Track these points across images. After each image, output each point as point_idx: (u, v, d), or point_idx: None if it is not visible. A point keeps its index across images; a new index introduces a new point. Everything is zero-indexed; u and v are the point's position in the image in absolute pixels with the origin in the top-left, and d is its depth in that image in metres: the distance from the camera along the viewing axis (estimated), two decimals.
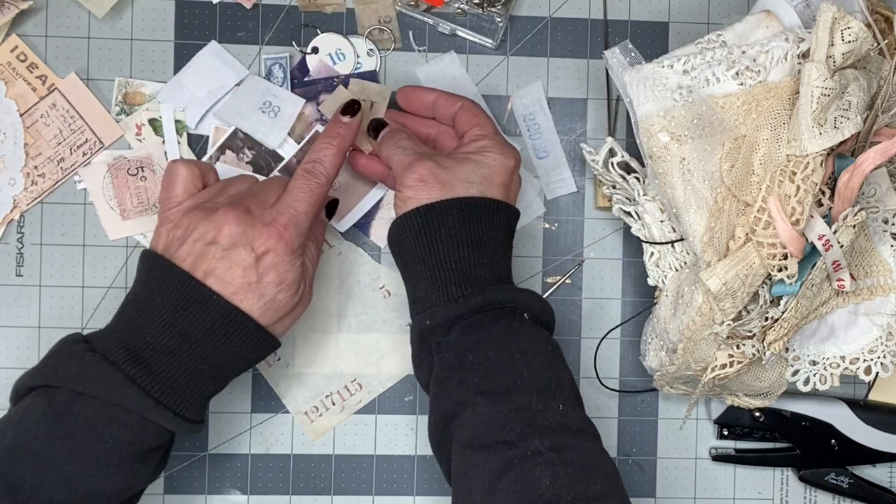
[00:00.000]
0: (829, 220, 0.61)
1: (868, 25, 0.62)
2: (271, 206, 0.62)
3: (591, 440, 0.58)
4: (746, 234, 0.61)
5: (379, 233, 0.74)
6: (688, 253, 0.68)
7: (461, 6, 0.74)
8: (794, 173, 0.60)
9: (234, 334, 0.60)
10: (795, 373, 0.69)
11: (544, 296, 0.75)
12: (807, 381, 0.69)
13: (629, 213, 0.71)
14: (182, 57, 0.73)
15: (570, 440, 0.56)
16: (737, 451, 0.77)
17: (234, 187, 0.64)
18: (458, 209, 0.62)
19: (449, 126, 0.69)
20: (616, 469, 0.57)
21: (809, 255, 0.62)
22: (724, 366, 0.66)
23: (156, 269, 0.60)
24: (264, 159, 0.73)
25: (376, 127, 0.69)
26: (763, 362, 0.66)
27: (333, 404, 0.75)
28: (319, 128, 0.73)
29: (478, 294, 0.61)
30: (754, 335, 0.65)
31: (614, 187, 0.71)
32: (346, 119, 0.66)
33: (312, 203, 0.62)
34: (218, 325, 0.59)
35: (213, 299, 0.59)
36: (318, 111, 0.73)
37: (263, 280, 0.60)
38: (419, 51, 0.74)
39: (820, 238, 0.61)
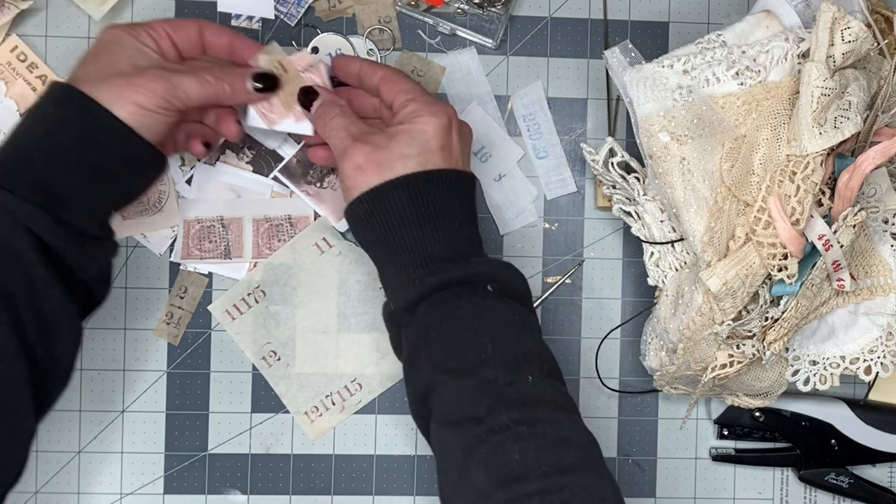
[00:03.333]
0: (829, 220, 0.61)
1: (868, 25, 0.62)
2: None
3: (564, 412, 0.57)
4: (746, 234, 0.61)
5: None
6: (688, 253, 0.68)
7: (461, 6, 0.74)
8: (794, 173, 0.60)
9: (43, 102, 0.59)
10: (795, 373, 0.69)
11: (544, 296, 0.75)
12: (807, 381, 0.69)
13: (629, 213, 0.71)
14: None
15: (540, 413, 0.56)
16: (737, 451, 0.77)
17: None
18: (403, 188, 0.60)
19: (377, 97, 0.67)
20: (592, 441, 0.57)
21: (809, 255, 0.62)
22: (724, 366, 0.66)
23: None
24: (264, 159, 0.73)
25: (306, 95, 0.66)
26: (763, 362, 0.66)
27: (333, 404, 0.75)
28: None
29: (433, 274, 0.60)
30: (754, 335, 0.65)
31: (614, 187, 0.71)
32: (250, 87, 0.64)
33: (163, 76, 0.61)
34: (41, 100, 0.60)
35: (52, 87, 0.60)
36: None
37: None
38: (434, 44, 0.74)
39: (820, 238, 0.61)
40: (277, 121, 0.67)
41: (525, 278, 0.64)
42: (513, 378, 0.57)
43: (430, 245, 0.60)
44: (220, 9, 0.73)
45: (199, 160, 0.72)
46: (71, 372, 0.63)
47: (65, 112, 0.58)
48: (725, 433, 0.76)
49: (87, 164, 0.59)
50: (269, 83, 0.65)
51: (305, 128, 0.67)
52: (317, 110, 0.65)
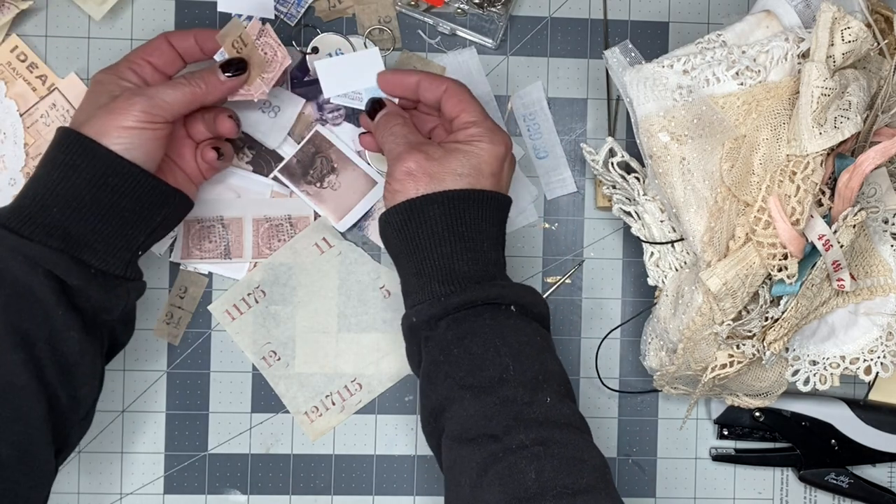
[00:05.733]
0: (829, 220, 0.61)
1: (868, 25, 0.62)
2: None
3: (579, 434, 0.58)
4: (746, 234, 0.61)
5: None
6: (688, 253, 0.68)
7: (461, 6, 0.74)
8: (794, 173, 0.60)
9: (52, 149, 0.61)
10: (795, 373, 0.69)
11: (544, 296, 0.75)
12: (807, 381, 0.69)
13: (629, 213, 0.71)
14: None
15: (557, 433, 0.56)
16: (737, 451, 0.77)
17: None
18: (441, 204, 0.61)
19: (435, 112, 0.68)
20: (605, 463, 0.57)
21: (809, 255, 0.62)
22: (724, 366, 0.66)
23: None
24: (264, 159, 0.73)
25: (374, 107, 0.68)
26: (763, 362, 0.66)
27: (333, 404, 0.75)
28: (320, 127, 0.73)
29: (459, 293, 0.60)
30: (754, 335, 0.65)
31: (614, 187, 0.71)
32: (223, 77, 0.65)
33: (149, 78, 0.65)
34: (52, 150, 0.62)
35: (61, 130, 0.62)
36: (319, 112, 0.73)
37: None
38: (434, 44, 0.74)
39: (820, 238, 0.61)
40: (255, 93, 0.67)
41: (546, 303, 0.64)
42: (532, 398, 0.57)
43: (457, 263, 0.61)
44: (220, 9, 0.73)
45: (216, 170, 0.71)
46: (92, 414, 0.64)
47: (74, 157, 0.60)
48: (725, 433, 0.76)
49: (103, 205, 0.60)
50: (237, 67, 0.66)
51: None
52: (380, 118, 0.67)
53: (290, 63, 0.68)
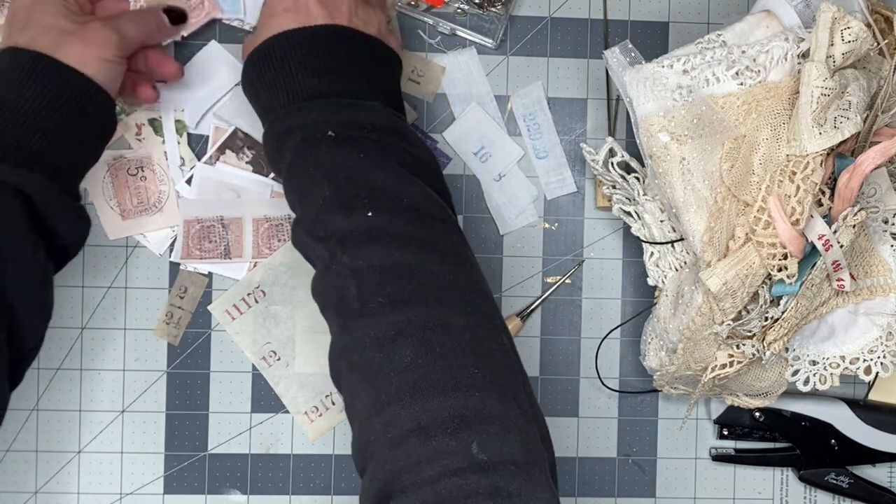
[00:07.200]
0: (829, 220, 0.61)
1: (868, 25, 0.62)
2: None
3: (402, 244, 0.57)
4: (746, 234, 0.61)
5: None
6: (688, 253, 0.68)
7: (461, 6, 0.74)
8: (794, 173, 0.60)
9: (23, 75, 0.61)
10: (795, 373, 0.69)
11: (544, 296, 0.75)
12: (807, 381, 0.69)
13: (629, 213, 0.71)
14: (182, 57, 0.73)
15: (377, 247, 0.56)
16: (737, 451, 0.77)
17: None
18: (246, 66, 0.64)
19: None
20: (436, 274, 0.56)
21: (809, 255, 0.62)
22: (724, 366, 0.66)
23: None
24: (264, 159, 0.73)
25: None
26: (763, 362, 0.66)
27: (333, 404, 0.75)
28: None
29: (266, 130, 0.63)
30: (754, 335, 0.65)
31: (614, 187, 0.71)
32: (167, 21, 0.69)
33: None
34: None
35: None
36: None
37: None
38: (434, 44, 0.74)
39: (820, 238, 0.61)
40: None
41: (385, 111, 0.63)
42: (349, 213, 0.57)
43: (263, 101, 0.63)
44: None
45: (147, 103, 0.72)
46: (40, 345, 0.64)
47: (54, 86, 0.60)
48: (725, 433, 0.76)
49: (77, 133, 0.62)
50: (178, 16, 0.70)
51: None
52: None
53: (218, 16, 0.71)
